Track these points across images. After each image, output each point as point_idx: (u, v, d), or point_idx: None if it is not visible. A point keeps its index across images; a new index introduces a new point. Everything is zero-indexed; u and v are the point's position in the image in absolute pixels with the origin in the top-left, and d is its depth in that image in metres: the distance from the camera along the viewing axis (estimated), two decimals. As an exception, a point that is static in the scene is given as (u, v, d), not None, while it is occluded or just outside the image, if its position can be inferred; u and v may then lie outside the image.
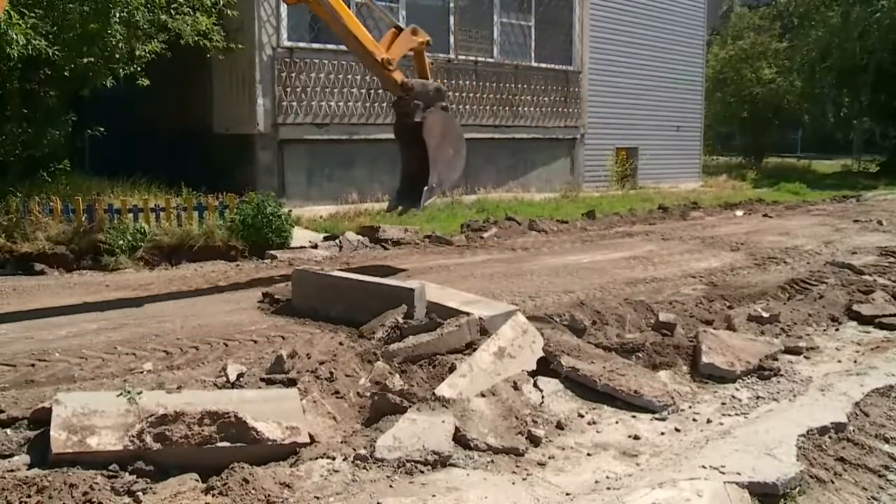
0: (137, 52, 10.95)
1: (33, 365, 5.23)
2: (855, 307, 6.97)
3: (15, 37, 8.58)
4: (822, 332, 6.45)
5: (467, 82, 16.04)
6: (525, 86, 17.16)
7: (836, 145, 36.67)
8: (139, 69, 11.11)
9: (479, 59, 16.24)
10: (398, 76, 8.39)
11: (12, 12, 8.52)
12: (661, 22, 20.86)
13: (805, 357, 5.73)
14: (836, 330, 6.55)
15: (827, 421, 4.36)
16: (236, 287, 8.14)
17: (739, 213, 15.87)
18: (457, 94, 15.83)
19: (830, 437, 4.22)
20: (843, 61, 26.30)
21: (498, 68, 16.59)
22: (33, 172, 11.03)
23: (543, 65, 17.57)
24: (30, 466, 3.59)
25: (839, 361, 5.67)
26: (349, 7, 8.52)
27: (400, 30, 8.68)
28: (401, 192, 9.07)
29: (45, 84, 10.76)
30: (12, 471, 3.53)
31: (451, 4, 15.67)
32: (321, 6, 7.97)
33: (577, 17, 18.31)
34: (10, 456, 3.71)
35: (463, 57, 15.93)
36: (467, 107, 16.04)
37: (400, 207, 9.25)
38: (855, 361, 5.66)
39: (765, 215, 15.37)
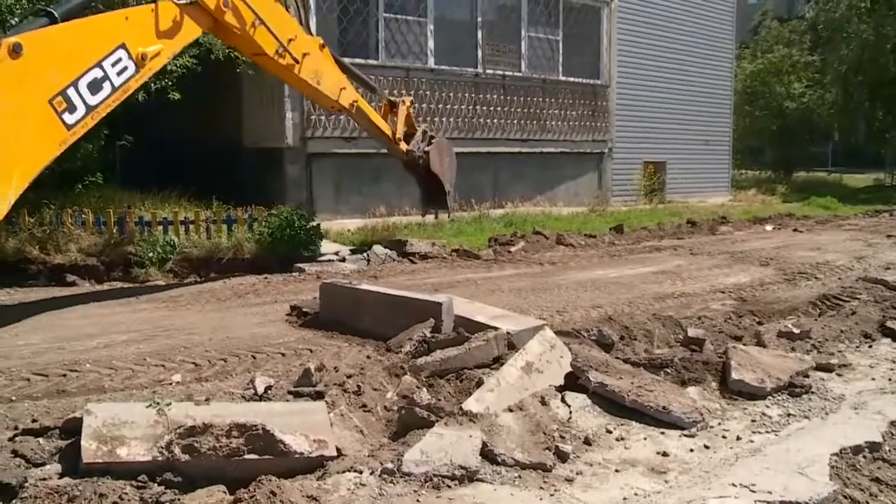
0: (169, 67, 11.06)
1: (65, 375, 5.30)
2: (889, 324, 6.84)
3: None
4: (855, 349, 6.34)
5: (495, 96, 16.07)
6: (553, 100, 17.16)
7: (867, 159, 36.20)
8: (170, 83, 11.24)
9: (507, 73, 16.27)
10: (403, 146, 10.63)
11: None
12: (689, 35, 20.77)
13: (837, 374, 5.63)
14: (870, 347, 6.44)
15: (861, 440, 4.28)
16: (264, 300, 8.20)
17: (769, 227, 15.71)
18: (484, 108, 15.86)
19: (865, 457, 4.15)
20: (877, 75, 26.02)
21: (526, 82, 16.61)
22: (67, 185, 11.19)
23: (571, 79, 17.57)
24: (61, 475, 3.63)
25: (873, 379, 5.57)
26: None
27: (391, 102, 10.71)
28: (424, 201, 11.79)
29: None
30: (44, 479, 3.56)
31: (479, 19, 15.73)
32: (358, 114, 9.76)
33: (605, 31, 18.30)
34: (43, 465, 3.74)
35: (490, 71, 15.97)
36: (495, 121, 16.06)
37: (432, 213, 12.25)
38: (889, 379, 5.56)
39: (795, 230, 15.20)
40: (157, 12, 6.58)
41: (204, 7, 7.14)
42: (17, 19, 6.81)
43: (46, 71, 5.61)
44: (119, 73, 6.15)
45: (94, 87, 5.94)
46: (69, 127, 5.74)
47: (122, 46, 6.17)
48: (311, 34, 9.05)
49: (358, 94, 9.75)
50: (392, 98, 10.96)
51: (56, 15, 5.86)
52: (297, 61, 8.40)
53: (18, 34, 5.54)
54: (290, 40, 8.25)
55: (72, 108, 5.75)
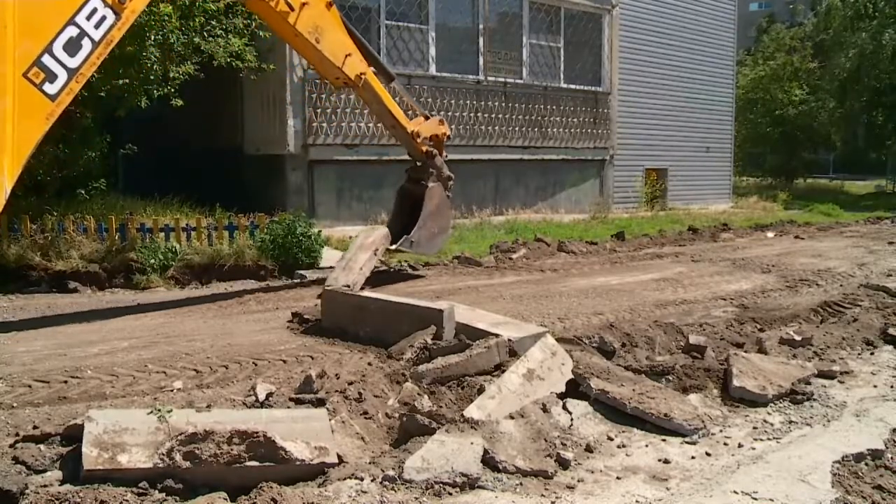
0: (171, 74, 11.10)
1: (66, 382, 5.29)
2: (891, 331, 6.85)
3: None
4: (857, 356, 6.34)
5: (497, 103, 16.10)
6: (554, 107, 17.19)
7: (869, 166, 36.26)
8: (173, 90, 11.27)
9: (509, 80, 16.31)
10: (424, 146, 9.50)
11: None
12: (690, 42, 20.81)
13: (839, 381, 5.63)
14: (872, 354, 6.43)
15: (863, 447, 4.28)
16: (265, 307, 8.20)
17: (770, 234, 15.71)
18: (486, 115, 15.90)
19: (867, 464, 4.14)
20: (877, 81, 26.07)
21: (527, 89, 16.65)
22: (69, 192, 11.21)
23: (572, 86, 17.62)
24: (62, 482, 3.62)
25: (875, 386, 5.57)
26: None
27: (427, 118, 9.77)
28: (393, 231, 9.83)
29: (82, 105, 10.95)
30: (45, 486, 3.56)
31: (481, 26, 15.77)
32: (366, 90, 8.72)
33: (607, 39, 18.34)
34: (44, 471, 3.74)
35: (492, 78, 16.00)
36: (496, 128, 16.08)
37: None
38: (892, 386, 5.55)
39: (796, 237, 15.19)
40: None
41: None
42: None
43: (12, 43, 5.01)
44: (97, 26, 5.52)
45: (72, 47, 5.33)
46: (53, 97, 5.25)
47: None
48: None
49: (368, 68, 8.71)
50: (429, 114, 10.15)
51: None
52: (291, 8, 7.44)
53: None
54: None
55: (51, 77, 5.20)
